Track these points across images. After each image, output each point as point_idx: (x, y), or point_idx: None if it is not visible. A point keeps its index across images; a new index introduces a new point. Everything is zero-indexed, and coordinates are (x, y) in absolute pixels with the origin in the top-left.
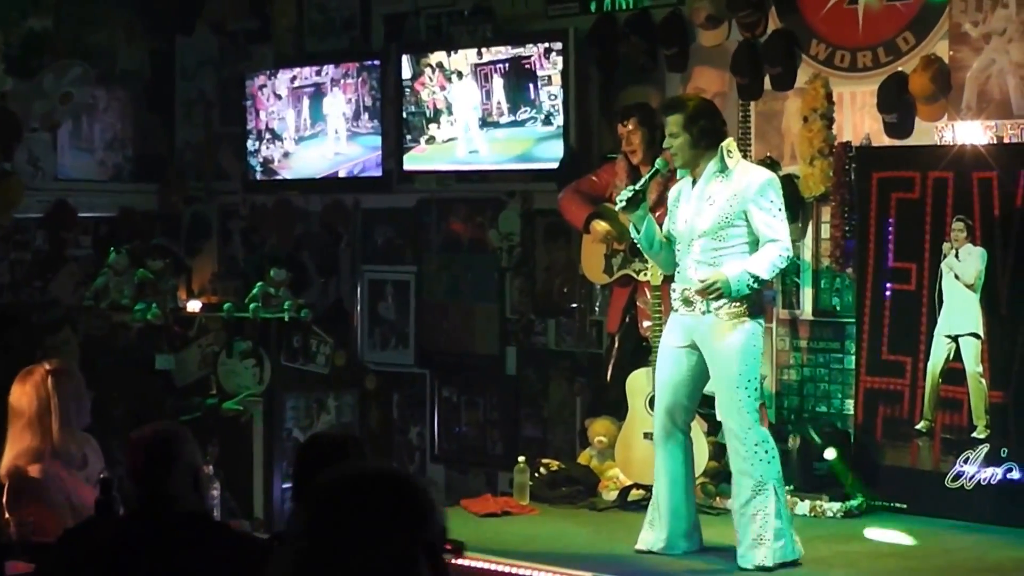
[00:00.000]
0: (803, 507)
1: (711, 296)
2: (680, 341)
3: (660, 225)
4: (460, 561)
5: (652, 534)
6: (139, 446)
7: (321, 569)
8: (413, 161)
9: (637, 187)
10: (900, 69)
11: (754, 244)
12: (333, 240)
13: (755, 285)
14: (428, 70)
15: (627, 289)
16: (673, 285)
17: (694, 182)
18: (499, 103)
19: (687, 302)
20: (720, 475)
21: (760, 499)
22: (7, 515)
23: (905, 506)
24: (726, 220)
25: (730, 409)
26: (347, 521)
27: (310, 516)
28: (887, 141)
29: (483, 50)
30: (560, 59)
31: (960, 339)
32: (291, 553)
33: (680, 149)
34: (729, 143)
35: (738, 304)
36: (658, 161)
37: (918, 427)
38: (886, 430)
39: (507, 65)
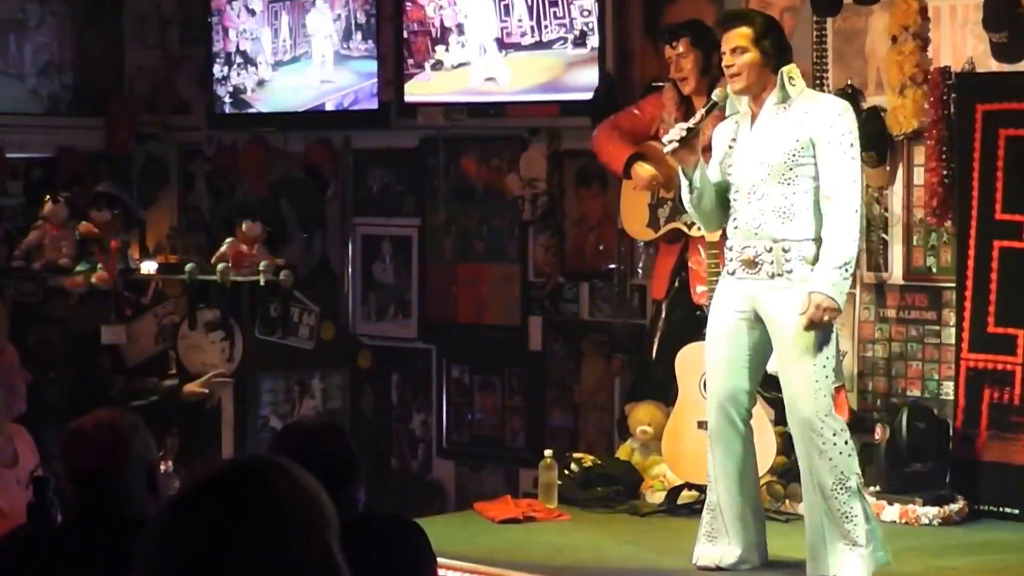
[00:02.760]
0: (892, 512)
1: (826, 319)
2: (739, 311)
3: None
4: None
5: (714, 547)
6: (79, 438)
7: None
8: (416, 91)
9: (692, 124)
10: None
11: None
12: (318, 187)
13: (851, 271)
14: None
15: (676, 247)
16: (730, 242)
17: (753, 119)
18: (520, 20)
19: (752, 263)
20: (790, 473)
21: (844, 498)
22: None
23: (1017, 512)
24: (793, 159)
25: (804, 391)
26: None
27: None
28: (995, 66)
29: None
30: None
31: None
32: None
33: (747, 68)
34: (791, 69)
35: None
36: (716, 92)
37: None
38: (993, 419)
39: None
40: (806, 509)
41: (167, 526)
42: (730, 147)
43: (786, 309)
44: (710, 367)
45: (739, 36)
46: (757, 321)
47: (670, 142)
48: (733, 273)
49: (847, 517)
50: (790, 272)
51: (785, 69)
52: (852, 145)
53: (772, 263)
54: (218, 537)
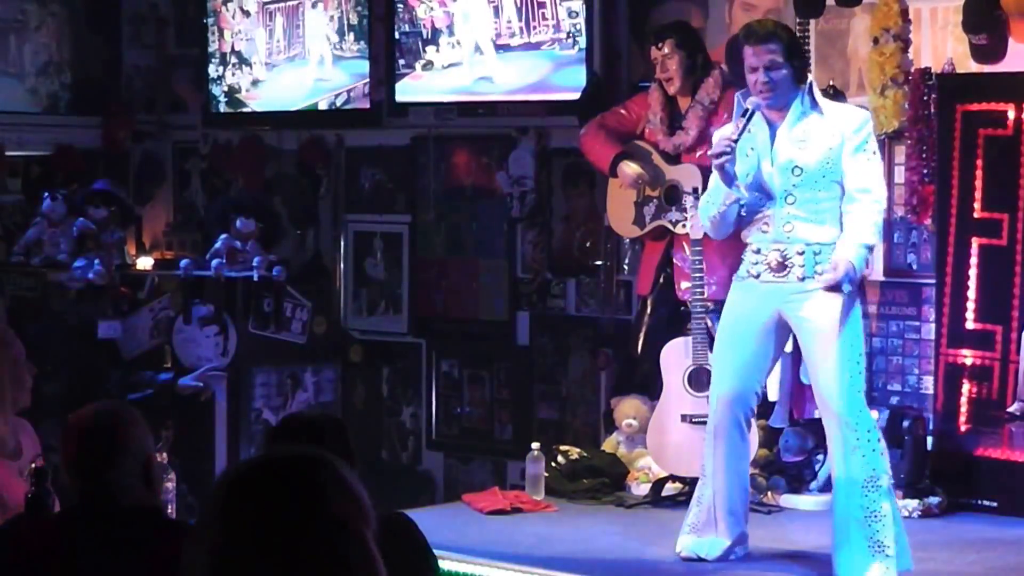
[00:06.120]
0: None
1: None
2: (759, 314)
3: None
4: (464, 568)
5: (700, 539)
6: (78, 430)
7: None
8: (407, 90)
9: (737, 136)
10: None
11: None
12: (311, 184)
13: (869, 256)
14: None
15: (662, 244)
16: (754, 245)
17: (772, 127)
18: (510, 22)
19: (781, 266)
20: (772, 466)
21: (874, 497)
22: None
23: (995, 504)
24: (827, 165)
25: (838, 390)
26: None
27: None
28: (974, 67)
29: None
30: None
31: None
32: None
33: (782, 85)
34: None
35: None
36: (751, 100)
37: (1011, 410)
38: (972, 413)
39: None
40: (835, 507)
41: (223, 501)
42: (748, 155)
43: (818, 310)
44: (721, 368)
45: (772, 52)
46: (777, 324)
47: (721, 155)
48: (758, 276)
49: (876, 517)
50: (820, 274)
51: (812, 78)
52: (875, 153)
53: (803, 266)
54: (269, 516)
